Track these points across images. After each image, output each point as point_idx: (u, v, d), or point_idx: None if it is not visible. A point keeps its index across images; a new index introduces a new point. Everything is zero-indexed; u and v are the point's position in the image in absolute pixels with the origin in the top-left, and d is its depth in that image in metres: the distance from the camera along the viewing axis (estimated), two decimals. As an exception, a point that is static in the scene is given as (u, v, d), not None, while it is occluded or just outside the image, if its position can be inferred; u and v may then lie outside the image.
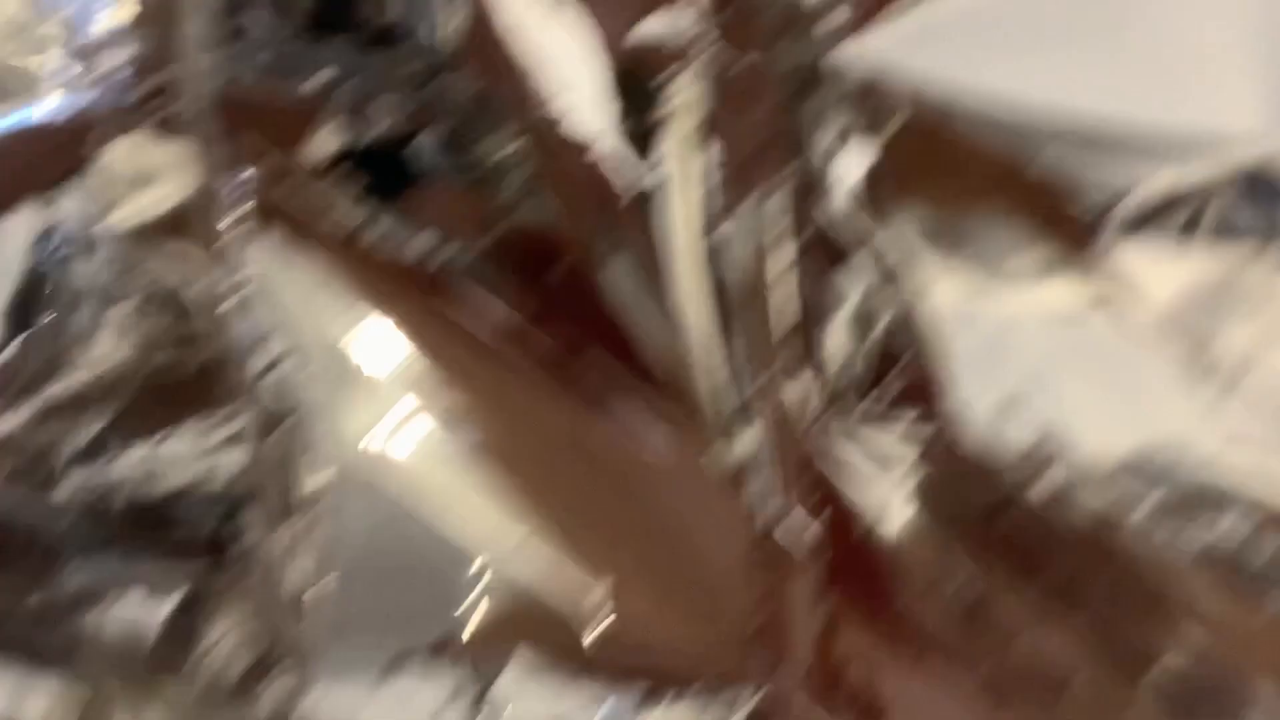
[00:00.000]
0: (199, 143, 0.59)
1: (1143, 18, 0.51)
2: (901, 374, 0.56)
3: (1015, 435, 0.54)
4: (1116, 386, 0.53)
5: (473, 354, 0.59)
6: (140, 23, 0.61)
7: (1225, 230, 0.51)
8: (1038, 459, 0.53)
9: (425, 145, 0.61)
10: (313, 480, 0.57)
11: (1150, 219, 0.52)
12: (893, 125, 0.53)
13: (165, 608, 0.58)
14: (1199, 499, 0.52)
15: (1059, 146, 0.52)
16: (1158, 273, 0.51)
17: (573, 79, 0.59)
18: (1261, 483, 0.51)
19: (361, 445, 0.57)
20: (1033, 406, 0.53)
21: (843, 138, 0.55)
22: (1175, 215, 0.52)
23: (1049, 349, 0.53)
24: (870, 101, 0.54)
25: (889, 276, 0.55)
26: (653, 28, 0.58)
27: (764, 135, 0.57)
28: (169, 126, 0.59)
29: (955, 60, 0.53)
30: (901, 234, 0.54)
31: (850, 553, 0.57)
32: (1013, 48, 0.52)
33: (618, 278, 0.60)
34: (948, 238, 0.54)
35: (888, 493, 0.57)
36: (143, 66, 0.60)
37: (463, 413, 0.57)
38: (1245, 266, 0.51)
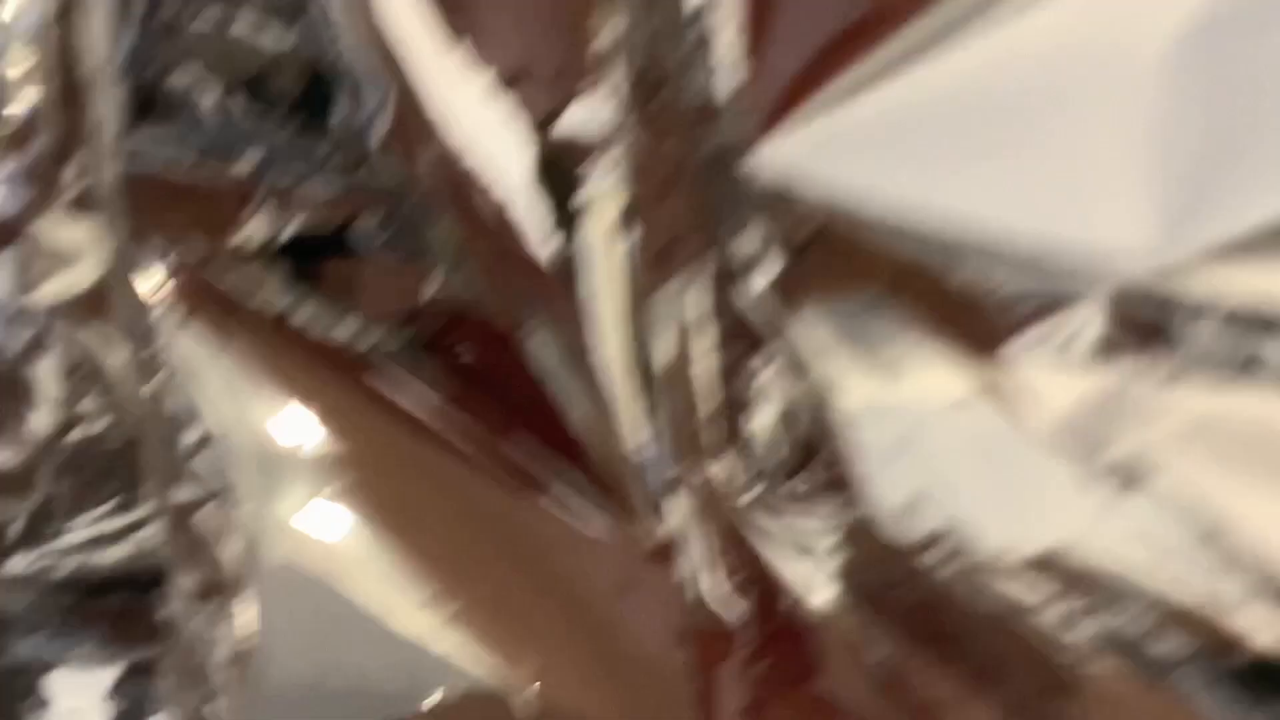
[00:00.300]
0: (108, 222, 0.59)
1: (1044, 132, 0.51)
2: (825, 460, 0.57)
3: (924, 529, 0.54)
4: (1018, 484, 0.53)
5: (399, 436, 0.59)
6: (53, 102, 0.61)
7: (1115, 343, 0.51)
8: (942, 551, 0.54)
9: (355, 225, 0.61)
10: (238, 561, 0.58)
11: (1042, 329, 0.52)
12: (804, 230, 0.53)
13: (104, 684, 0.59)
14: (1101, 592, 0.53)
15: (967, 254, 0.52)
16: (1053, 382, 0.52)
17: (499, 163, 0.59)
18: (1161, 580, 0.52)
19: (287, 528, 0.57)
20: (939, 502, 0.54)
21: (755, 238, 0.55)
22: (1067, 327, 0.52)
23: (952, 446, 0.53)
24: (782, 206, 0.54)
25: (802, 370, 0.55)
26: (576, 117, 0.58)
27: (683, 222, 0.57)
28: (84, 205, 0.59)
29: (865, 168, 0.52)
30: (813, 329, 0.55)
31: (778, 625, 0.58)
32: (921, 156, 0.52)
33: (544, 354, 0.60)
34: (856, 334, 0.55)
35: (811, 571, 0.57)
36: (56, 146, 0.60)
37: (389, 495, 0.58)
38: (1138, 378, 0.51)
